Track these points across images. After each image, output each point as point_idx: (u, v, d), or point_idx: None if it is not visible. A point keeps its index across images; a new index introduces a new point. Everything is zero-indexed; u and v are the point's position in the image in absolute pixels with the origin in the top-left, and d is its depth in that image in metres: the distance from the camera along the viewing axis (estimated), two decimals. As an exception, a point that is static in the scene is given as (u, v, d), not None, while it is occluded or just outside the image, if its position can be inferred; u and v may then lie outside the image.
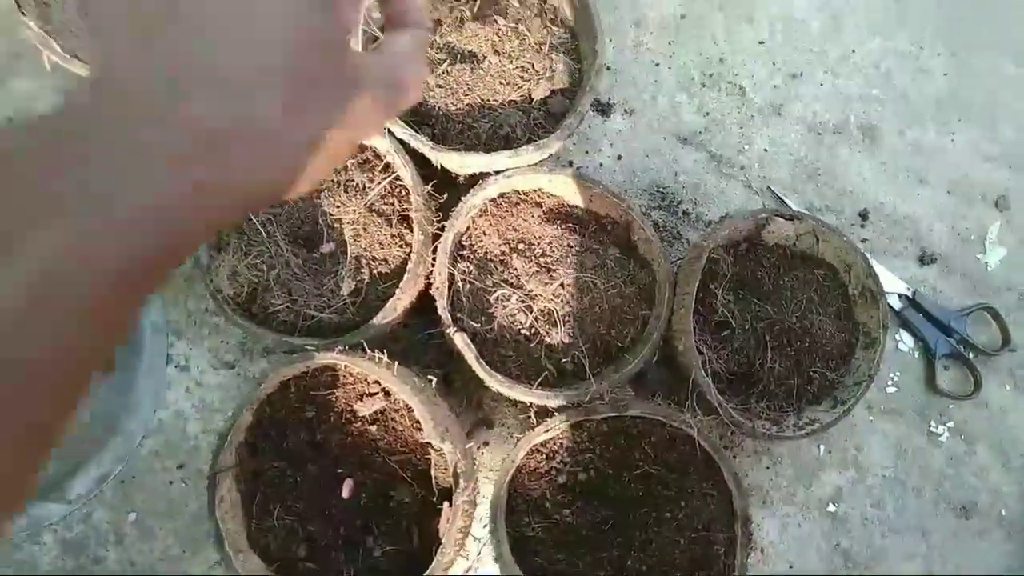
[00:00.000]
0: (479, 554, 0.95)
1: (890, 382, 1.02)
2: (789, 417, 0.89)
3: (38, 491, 0.93)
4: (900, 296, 1.03)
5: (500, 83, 0.93)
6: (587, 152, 1.06)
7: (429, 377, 0.84)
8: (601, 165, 1.06)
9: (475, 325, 0.86)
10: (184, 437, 0.98)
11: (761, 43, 1.12)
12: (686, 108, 1.09)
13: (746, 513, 0.81)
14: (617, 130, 1.08)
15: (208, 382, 0.99)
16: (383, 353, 0.81)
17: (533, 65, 0.94)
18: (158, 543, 0.95)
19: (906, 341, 1.03)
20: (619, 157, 1.06)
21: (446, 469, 0.83)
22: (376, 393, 0.86)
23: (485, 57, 0.93)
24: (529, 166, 0.90)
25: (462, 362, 0.87)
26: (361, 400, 0.87)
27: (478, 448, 0.99)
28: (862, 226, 1.06)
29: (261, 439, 0.86)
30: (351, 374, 0.86)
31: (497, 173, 0.89)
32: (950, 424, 1.01)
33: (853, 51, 1.13)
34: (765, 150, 1.08)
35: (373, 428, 0.87)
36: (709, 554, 0.84)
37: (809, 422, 0.88)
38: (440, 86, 0.92)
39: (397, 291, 0.84)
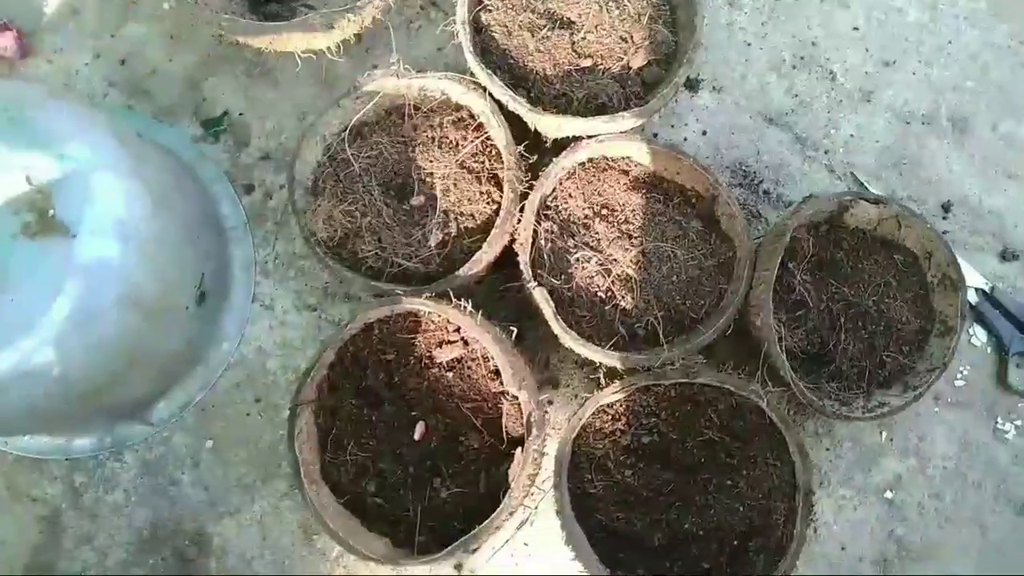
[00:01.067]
0: (536, 507, 0.98)
1: (959, 375, 1.02)
2: (859, 399, 0.90)
3: (124, 412, 0.98)
4: (977, 290, 1.02)
5: (599, 51, 0.95)
6: (672, 126, 1.07)
7: (510, 328, 0.87)
8: (685, 140, 1.07)
9: (554, 282, 0.88)
10: (264, 372, 1.02)
11: (855, 29, 1.11)
12: (775, 88, 1.09)
13: (809, 485, 0.83)
14: (704, 106, 1.08)
15: (290, 322, 1.03)
16: (467, 303, 0.84)
17: (632, 35, 0.95)
18: (232, 470, 1.00)
19: (979, 336, 1.03)
20: (704, 133, 1.07)
21: (518, 419, 0.86)
22: (455, 341, 0.89)
23: (584, 25, 0.95)
24: (621, 132, 0.91)
25: (535, 319, 0.90)
26: (440, 347, 0.90)
27: (543, 408, 1.01)
28: (944, 218, 1.05)
29: (341, 377, 0.90)
30: (433, 321, 0.90)
31: (590, 138, 0.91)
32: (1019, 422, 1.01)
33: (949, 42, 1.12)
34: (851, 135, 1.08)
35: (449, 375, 0.90)
36: (768, 523, 0.85)
37: (879, 405, 0.89)
38: (539, 50, 0.94)
39: (484, 245, 0.86)
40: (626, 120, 0.89)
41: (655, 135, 1.07)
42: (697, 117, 1.07)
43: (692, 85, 1.08)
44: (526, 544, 0.98)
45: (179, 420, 1.01)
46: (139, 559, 0.98)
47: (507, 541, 0.98)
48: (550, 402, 1.02)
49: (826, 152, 1.07)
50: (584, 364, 1.01)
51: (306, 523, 0.99)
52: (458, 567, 0.98)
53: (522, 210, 0.89)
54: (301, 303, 1.04)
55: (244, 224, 1.04)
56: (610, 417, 0.91)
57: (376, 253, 0.91)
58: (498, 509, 0.80)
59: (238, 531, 0.99)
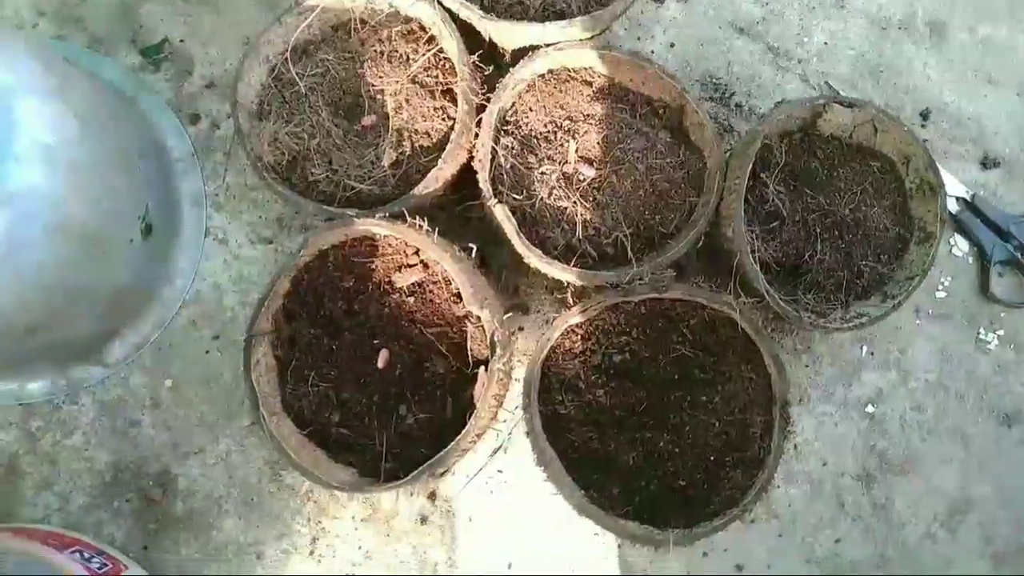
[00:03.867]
0: (510, 434, 0.96)
1: (940, 287, 0.99)
2: (836, 310, 0.87)
3: (78, 353, 0.94)
4: (958, 199, 0.99)
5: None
6: (639, 39, 1.02)
7: (468, 245, 0.83)
8: (653, 52, 1.02)
9: (516, 199, 0.84)
10: (221, 308, 0.98)
11: (826, -71, 1.06)
12: (745, -5, 1.04)
13: (785, 396, 0.80)
14: (671, 17, 1.03)
15: (246, 256, 0.99)
16: (423, 222, 0.80)
17: (589, -64, 0.89)
18: (193, 409, 0.97)
19: (960, 246, 1.00)
20: (672, 45, 1.02)
21: (482, 341, 0.83)
22: (415, 265, 0.86)
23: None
24: (581, 40, 0.86)
25: (500, 244, 0.86)
26: (399, 271, 0.86)
27: (513, 334, 0.98)
28: (923, 126, 1.02)
29: (298, 307, 0.86)
30: (390, 245, 0.86)
31: (548, 47, 0.86)
32: (1001, 332, 0.98)
33: (925, -58, 1.07)
34: (825, 43, 1.03)
35: (411, 300, 0.86)
36: (744, 437, 0.83)
37: (857, 315, 0.86)
38: (491, -45, 0.88)
39: (440, 161, 0.82)
40: (584, 25, 0.84)
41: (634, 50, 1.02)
42: (664, 28, 1.02)
43: (658, -6, 1.03)
44: (500, 471, 0.96)
45: (136, 360, 0.97)
46: (102, 502, 0.96)
47: (481, 469, 0.96)
48: (520, 328, 0.99)
49: (799, 61, 1.02)
50: (554, 289, 0.97)
51: (273, 460, 0.96)
52: (432, 496, 0.96)
53: (479, 125, 0.85)
54: (256, 236, 0.99)
55: (191, 155, 0.99)
56: (579, 337, 0.87)
57: (327, 176, 0.86)
58: (463, 431, 0.77)
59: (203, 471, 0.96)
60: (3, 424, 0.96)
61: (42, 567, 0.83)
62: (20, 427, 0.96)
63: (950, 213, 0.99)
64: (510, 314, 0.87)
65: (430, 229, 0.79)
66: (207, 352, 0.98)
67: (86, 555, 0.88)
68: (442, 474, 0.87)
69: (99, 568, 0.87)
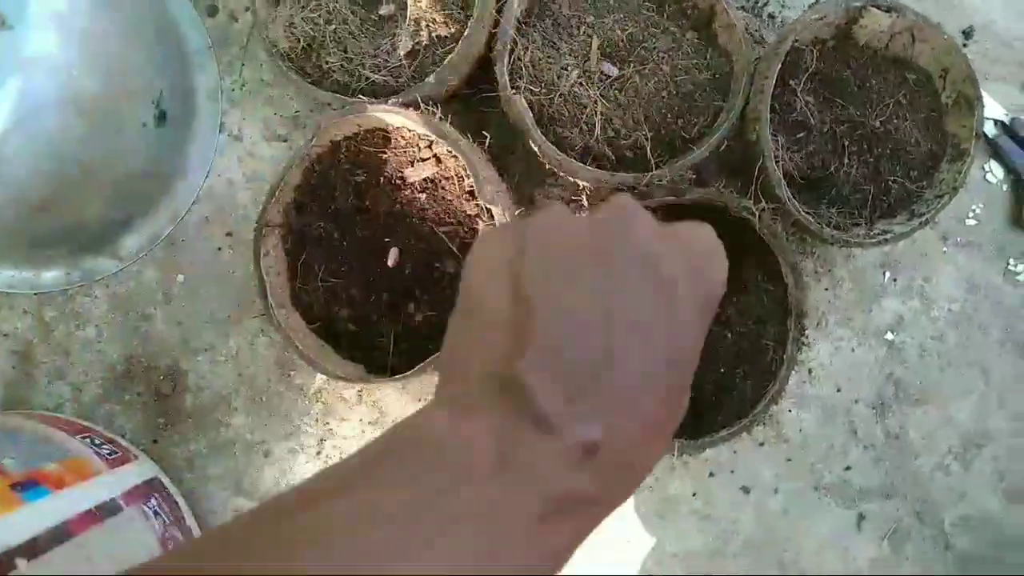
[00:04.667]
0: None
1: (971, 214, 0.95)
2: (860, 227, 0.84)
3: (91, 244, 0.94)
4: (996, 122, 0.95)
5: None
6: (670, -59, 0.98)
7: (483, 133, 0.81)
8: (684, -43, 0.98)
9: (534, 92, 0.82)
10: (234, 205, 0.98)
11: None
12: (785, -102, 0.99)
13: (801, 307, 0.78)
14: (706, -80, 0.99)
15: (260, 153, 0.98)
16: (436, 108, 0.78)
17: None
18: (204, 305, 0.97)
19: (995, 172, 0.96)
20: (704, -50, 0.98)
21: (493, 238, 0.81)
22: (427, 159, 0.84)
23: None
24: (608, -71, 0.83)
25: (515, 150, 0.84)
26: (412, 165, 0.84)
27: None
28: (964, 45, 0.97)
29: (309, 199, 0.85)
30: (403, 137, 0.84)
31: (573, -67, 0.83)
32: (1031, 263, 0.95)
33: None
34: (867, -47, 0.98)
35: (422, 196, 0.84)
36: (757, 348, 0.81)
37: (881, 232, 0.83)
38: None
39: (456, 48, 0.79)
40: (615, -89, 0.81)
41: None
42: (698, -69, 0.98)
43: None
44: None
45: (149, 255, 0.97)
46: (114, 394, 0.96)
47: (488, 379, 0.95)
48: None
49: (839, -30, 0.97)
50: (571, 199, 0.95)
51: (282, 359, 0.96)
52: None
53: (500, 13, 0.82)
54: (271, 133, 0.98)
55: (208, 48, 0.97)
56: (593, 243, 0.85)
57: (342, 65, 0.84)
58: (469, 326, 0.76)
59: (213, 367, 0.96)
60: (18, 312, 0.97)
61: (53, 447, 0.84)
62: (34, 316, 0.97)
63: (986, 136, 0.94)
64: (522, 210, 0.85)
65: (443, 116, 0.77)
66: (219, 249, 0.97)
67: (96, 441, 0.89)
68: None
69: (109, 454, 0.88)
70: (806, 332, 0.78)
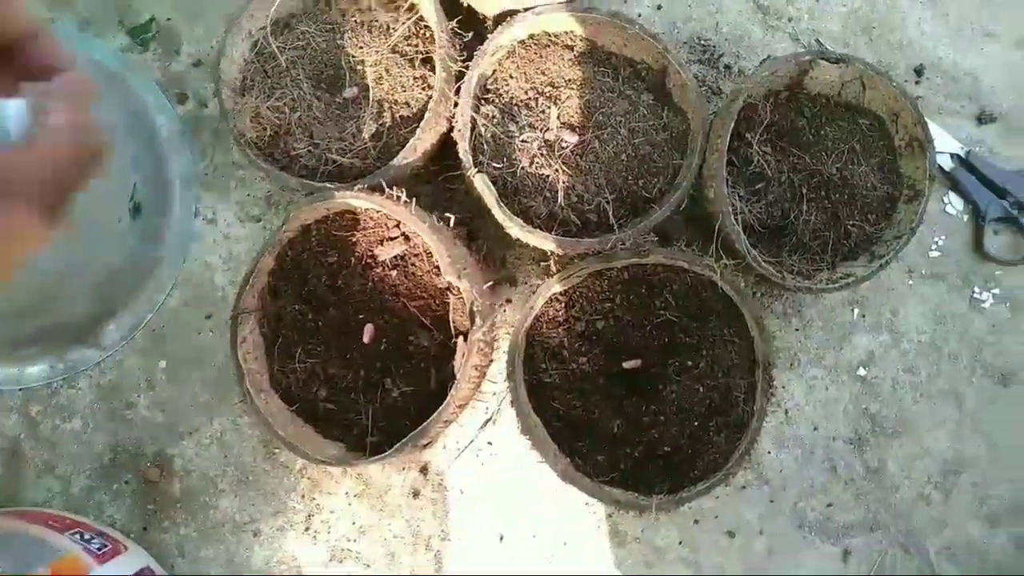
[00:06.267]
0: (500, 407, 0.96)
1: (934, 246, 0.97)
2: (822, 272, 0.86)
3: (74, 337, 0.96)
4: (952, 156, 0.97)
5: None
6: (625, 1, 1.01)
7: (446, 215, 0.82)
8: (640, 15, 1.00)
9: (496, 167, 0.84)
10: (212, 288, 0.99)
11: None
12: (731, -47, 1.02)
13: (767, 358, 0.79)
14: (656, -23, 1.01)
15: (235, 235, 1.00)
16: (402, 192, 0.80)
17: None
18: (187, 389, 0.98)
19: (954, 204, 0.98)
20: (659, 7, 1.00)
21: (463, 312, 0.82)
22: (396, 238, 0.85)
23: None
24: (559, 3, 0.85)
25: (485, 216, 0.85)
26: (381, 244, 0.86)
27: (501, 306, 0.98)
28: (917, 82, 0.99)
29: (283, 283, 0.87)
30: (371, 218, 0.85)
31: (527, 11, 0.85)
32: (996, 290, 0.96)
33: None
34: (816, 0, 1.01)
35: (393, 273, 0.86)
36: (728, 401, 0.83)
37: (843, 276, 0.85)
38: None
39: (418, 131, 0.81)
40: (563, -14, 0.83)
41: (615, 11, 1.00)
42: (650, -10, 1.00)
43: (642, -45, 1.01)
44: (490, 443, 0.96)
45: (130, 342, 0.98)
46: (102, 484, 0.97)
47: (472, 441, 0.96)
48: (508, 300, 0.99)
49: (789, 20, 1.00)
50: (540, 259, 0.97)
51: (266, 438, 0.97)
52: (424, 471, 0.96)
53: (459, 93, 0.84)
54: (245, 215, 1.00)
55: (180, 135, 0.99)
56: (563, 305, 0.87)
57: (309, 151, 0.86)
58: (445, 402, 0.77)
59: (199, 450, 0.97)
60: (5, 410, 0.98)
61: (45, 549, 0.85)
62: (21, 412, 0.98)
63: (944, 170, 0.97)
64: (490, 283, 0.86)
65: (408, 200, 0.79)
66: (199, 332, 0.98)
67: (86, 536, 0.90)
68: (425, 446, 0.87)
69: (98, 549, 0.89)
70: (774, 382, 0.79)
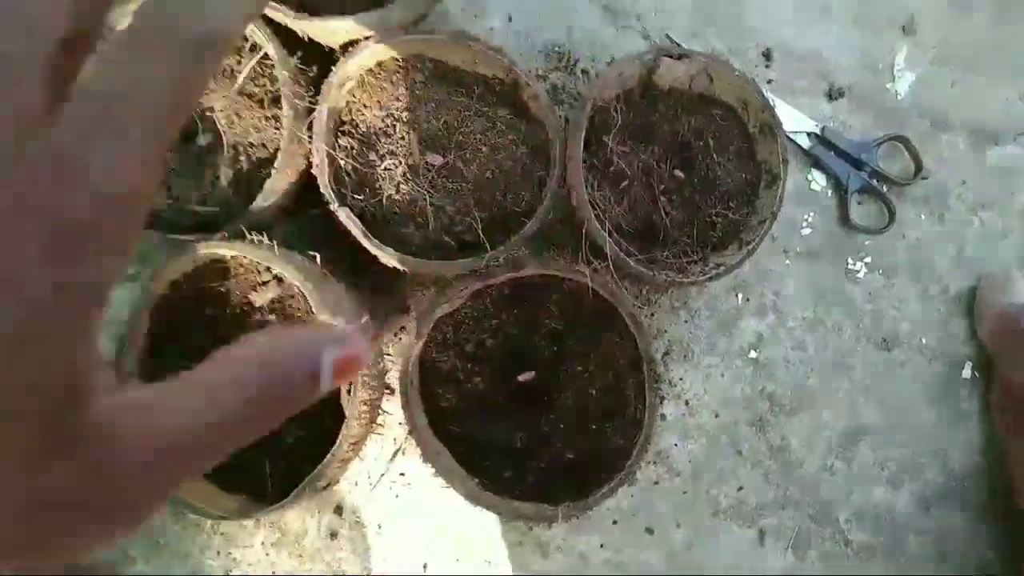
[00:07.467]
0: (407, 437, 0.95)
1: (804, 224, 1.00)
2: (695, 265, 0.88)
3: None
4: (809, 135, 1.00)
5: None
6: (475, 17, 1.02)
7: (310, 254, 0.82)
8: (492, 29, 1.01)
9: (359, 199, 0.83)
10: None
11: None
12: (574, -40, 1.04)
13: (649, 352, 0.80)
14: (505, -8, 1.03)
15: (114, 296, 0.97)
16: (262, 236, 0.79)
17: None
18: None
19: (818, 180, 1.01)
20: (510, 19, 1.02)
21: (346, 348, 0.81)
22: (268, 281, 0.84)
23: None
24: (400, 27, 0.85)
25: (361, 247, 0.85)
26: (255, 290, 0.84)
27: (396, 335, 0.97)
28: (767, 66, 1.03)
29: (163, 341, 0.84)
30: (241, 264, 0.84)
31: (367, 39, 0.85)
32: (867, 259, 1.00)
33: None
34: (660, -3, 1.04)
35: (272, 317, 0.85)
36: (622, 400, 0.83)
37: (715, 266, 0.87)
38: (300, -46, 0.87)
39: (272, 171, 0.80)
40: (402, 11, 0.83)
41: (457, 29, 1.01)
42: (500, 4, 1.01)
43: (488, -29, 1.02)
44: (403, 474, 0.95)
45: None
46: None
47: (383, 475, 0.95)
48: (403, 328, 0.98)
49: (638, 18, 1.02)
50: (429, 285, 0.97)
51: (171, 500, 0.94)
52: (338, 510, 0.95)
53: (311, 128, 0.83)
54: (121, 274, 0.97)
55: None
56: (451, 327, 0.87)
57: (169, 204, 0.84)
58: (336, 443, 0.76)
59: (99, 523, 0.94)
60: None
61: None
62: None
63: (804, 149, 1.00)
64: (367, 316, 0.86)
65: (270, 243, 0.78)
66: (85, 401, 0.95)
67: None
68: (326, 487, 0.86)
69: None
70: (660, 377, 0.81)
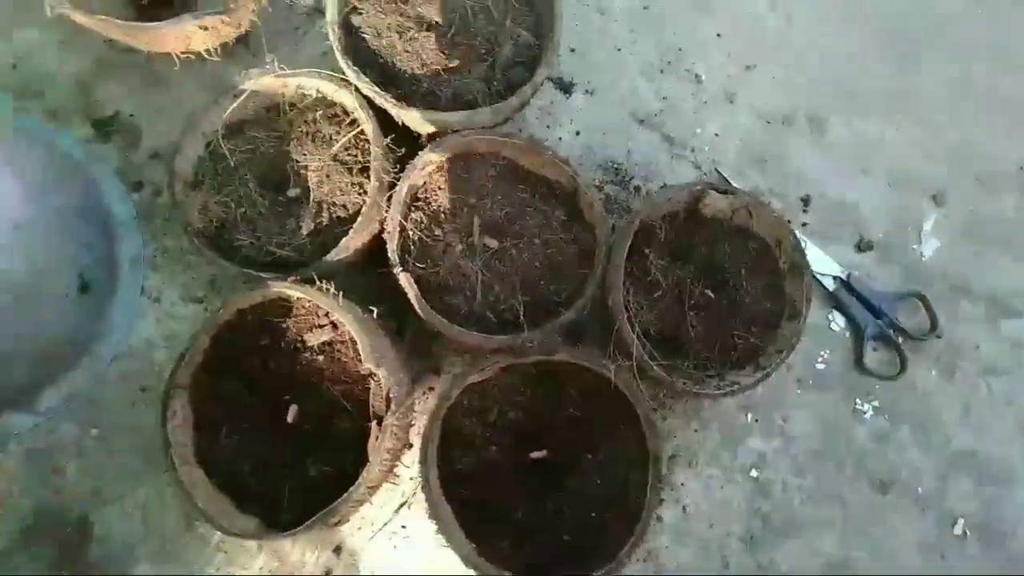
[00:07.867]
0: (415, 492, 1.01)
1: (820, 359, 1.07)
2: (712, 379, 0.95)
3: (10, 401, 1.00)
4: (835, 278, 1.08)
5: (466, 53, 1.00)
6: (548, 127, 1.13)
7: (370, 308, 0.90)
8: (561, 140, 1.12)
9: (421, 267, 0.93)
10: (151, 363, 1.04)
11: (718, 36, 1.19)
12: (644, 91, 1.16)
13: (657, 453, 0.86)
14: (578, 108, 1.14)
15: (178, 314, 1.06)
16: (330, 284, 0.88)
17: (496, 36, 1.01)
18: (116, 458, 1.01)
19: (838, 321, 1.08)
20: (578, 133, 1.13)
21: (381, 398, 0.89)
22: (325, 325, 0.93)
23: (451, 28, 1.00)
24: (484, 128, 0.96)
25: (412, 308, 0.94)
26: (311, 331, 0.93)
27: (423, 393, 1.04)
28: (804, 211, 1.12)
29: (217, 362, 0.93)
30: (303, 306, 0.93)
31: (455, 133, 0.96)
32: (875, 403, 1.06)
33: (805, 47, 1.20)
34: (716, 134, 1.14)
35: (320, 358, 0.93)
36: (625, 493, 0.89)
37: (731, 384, 0.93)
38: (407, 51, 0.99)
39: (351, 231, 0.90)
40: (488, 115, 0.94)
41: (532, 135, 1.12)
42: (571, 118, 1.13)
43: (566, 88, 1.14)
44: (404, 527, 1.00)
45: (65, 410, 1.02)
46: (20, 548, 0.99)
47: (386, 523, 1.00)
48: (431, 388, 1.05)
49: (692, 150, 1.13)
50: (463, 352, 1.05)
51: (187, 510, 1.00)
52: (337, 551, 1.00)
53: (390, 199, 0.93)
54: (188, 296, 1.07)
55: (132, 219, 1.07)
56: (478, 395, 0.94)
57: (251, 243, 0.94)
58: (356, 483, 0.83)
59: (121, 518, 1.00)
60: (-69, 469, 1.01)
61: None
62: (-53, 472, 1.01)
63: (827, 291, 1.08)
64: (402, 374, 0.93)
65: (336, 292, 0.87)
66: (134, 404, 1.03)
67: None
68: (336, 524, 0.92)
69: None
70: (663, 477, 0.86)
